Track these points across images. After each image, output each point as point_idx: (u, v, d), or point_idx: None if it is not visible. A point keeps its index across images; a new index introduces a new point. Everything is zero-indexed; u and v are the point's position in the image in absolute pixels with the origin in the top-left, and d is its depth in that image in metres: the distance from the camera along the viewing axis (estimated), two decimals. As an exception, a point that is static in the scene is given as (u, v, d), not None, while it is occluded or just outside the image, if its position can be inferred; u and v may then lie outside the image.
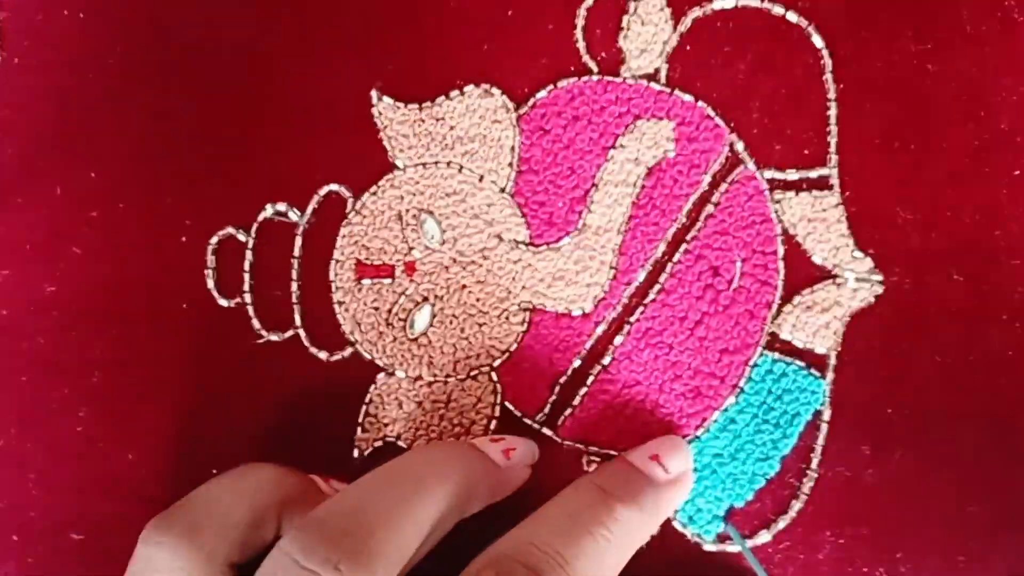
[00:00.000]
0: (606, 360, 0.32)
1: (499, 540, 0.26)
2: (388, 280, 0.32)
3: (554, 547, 0.26)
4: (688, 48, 0.32)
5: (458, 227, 0.32)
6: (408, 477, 0.27)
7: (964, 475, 0.31)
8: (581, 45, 0.32)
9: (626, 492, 0.28)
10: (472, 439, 0.30)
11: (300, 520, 0.25)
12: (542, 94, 0.32)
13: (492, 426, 0.32)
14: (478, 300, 0.32)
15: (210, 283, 0.32)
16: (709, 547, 0.31)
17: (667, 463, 0.30)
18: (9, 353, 0.32)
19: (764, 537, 0.31)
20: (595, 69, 0.32)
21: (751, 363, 0.32)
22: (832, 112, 0.32)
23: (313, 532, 0.24)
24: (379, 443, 0.32)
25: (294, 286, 0.32)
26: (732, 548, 0.31)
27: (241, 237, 0.32)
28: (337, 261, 0.32)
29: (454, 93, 0.32)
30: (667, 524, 0.31)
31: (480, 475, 0.28)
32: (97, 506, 0.32)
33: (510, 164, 0.32)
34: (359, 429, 0.32)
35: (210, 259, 0.32)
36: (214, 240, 0.32)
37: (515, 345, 0.32)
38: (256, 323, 0.32)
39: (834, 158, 0.32)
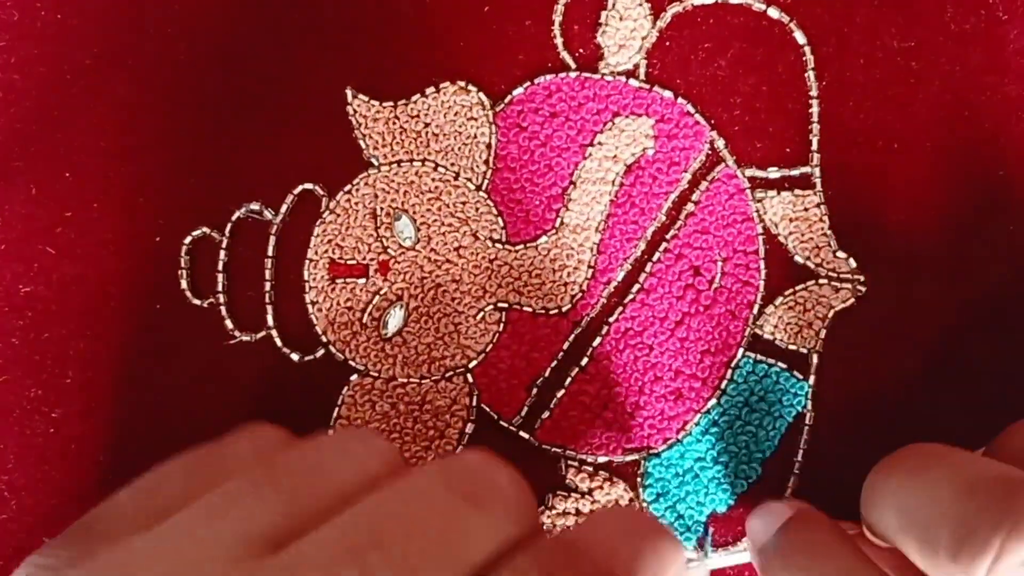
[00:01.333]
0: (584, 361, 0.31)
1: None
2: (362, 279, 0.31)
3: None
4: (668, 44, 0.32)
5: (433, 225, 0.31)
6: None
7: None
8: (559, 41, 0.32)
9: None
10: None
11: (548, 541, 0.22)
12: (519, 91, 0.32)
13: (468, 429, 0.31)
14: (453, 299, 0.31)
15: (184, 283, 0.32)
16: (690, 554, 0.31)
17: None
18: (-18, 353, 0.32)
19: (742, 545, 0.31)
20: (573, 65, 0.32)
21: (733, 364, 0.31)
22: (814, 110, 0.31)
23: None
24: (352, 445, 0.31)
25: (267, 286, 0.32)
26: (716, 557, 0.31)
27: (215, 237, 0.32)
28: (311, 260, 0.32)
29: (430, 90, 0.32)
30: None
31: None
32: (70, 508, 0.31)
33: (486, 161, 0.32)
34: (331, 431, 0.31)
35: (184, 259, 0.32)
36: (188, 240, 0.32)
37: (491, 346, 0.31)
38: (229, 323, 0.31)
39: (816, 156, 0.31)
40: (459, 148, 0.32)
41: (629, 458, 0.31)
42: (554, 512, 0.31)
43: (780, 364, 0.31)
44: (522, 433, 0.31)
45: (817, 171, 0.31)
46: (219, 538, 0.20)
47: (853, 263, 0.31)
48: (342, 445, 0.24)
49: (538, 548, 0.22)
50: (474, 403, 0.31)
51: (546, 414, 0.31)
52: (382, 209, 0.32)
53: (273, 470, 0.22)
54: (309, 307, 0.31)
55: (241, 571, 0.20)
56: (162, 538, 0.21)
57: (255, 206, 0.32)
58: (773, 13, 0.31)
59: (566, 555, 0.22)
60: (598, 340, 0.31)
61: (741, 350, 0.31)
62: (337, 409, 0.31)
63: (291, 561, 0.20)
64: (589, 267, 0.31)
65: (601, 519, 0.25)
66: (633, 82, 0.32)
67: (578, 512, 0.31)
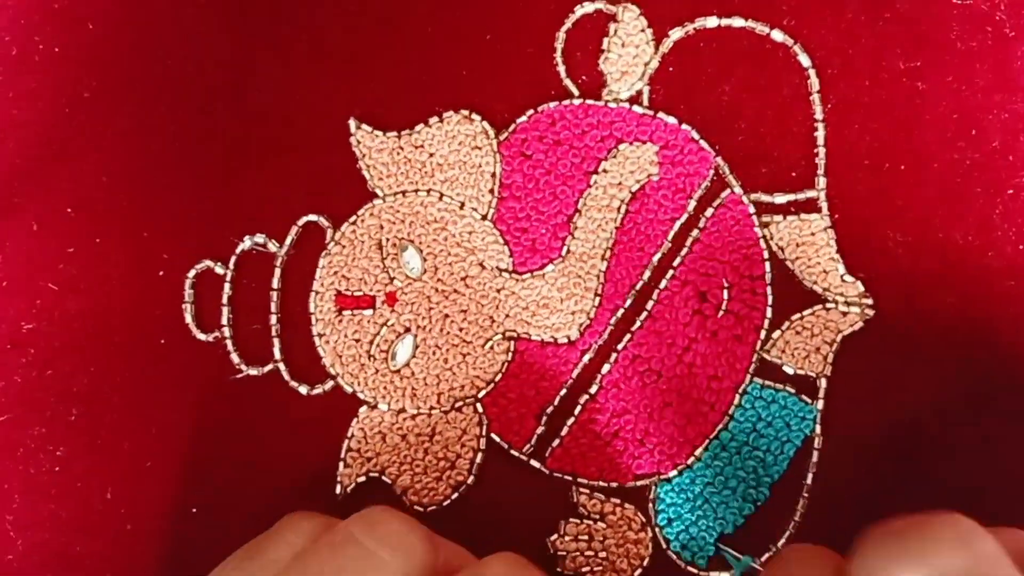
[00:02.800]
0: (593, 389, 0.31)
1: None
2: (369, 311, 0.31)
3: None
4: (671, 70, 0.32)
5: (439, 256, 0.31)
6: None
7: (956, 499, 0.30)
8: (561, 69, 0.32)
9: None
10: None
11: None
12: (522, 119, 0.32)
13: (478, 459, 0.31)
14: (461, 330, 0.31)
15: (188, 317, 0.31)
16: (702, 575, 0.31)
17: None
18: (-15, 391, 0.32)
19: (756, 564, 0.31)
20: (576, 92, 0.32)
21: (741, 389, 0.31)
22: (820, 133, 0.31)
23: None
24: (362, 478, 0.31)
25: (273, 319, 0.31)
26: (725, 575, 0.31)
27: (219, 270, 0.32)
28: (317, 292, 0.31)
29: (433, 120, 0.32)
30: (660, 552, 0.31)
31: None
32: (75, 546, 0.31)
33: (491, 191, 0.31)
34: (341, 464, 0.31)
35: (188, 293, 0.32)
36: (192, 273, 0.32)
37: (500, 375, 0.31)
38: (235, 357, 0.31)
39: (822, 180, 0.31)
40: (464, 177, 0.31)
41: (640, 483, 0.31)
42: (567, 538, 0.31)
43: (788, 389, 0.31)
44: (533, 462, 0.31)
45: (823, 195, 0.31)
46: None
47: (861, 287, 0.31)
48: (276, 533, 0.28)
49: None
50: (484, 433, 0.31)
51: (556, 442, 0.31)
52: (388, 240, 0.31)
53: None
54: (316, 339, 0.31)
55: None
56: None
57: (259, 238, 0.32)
58: (777, 36, 0.31)
59: None
60: (607, 368, 0.31)
61: (749, 375, 0.31)
62: (347, 442, 0.31)
63: None
64: (596, 295, 0.31)
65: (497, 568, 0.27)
66: (637, 108, 0.31)
67: (591, 537, 0.31)
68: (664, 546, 0.31)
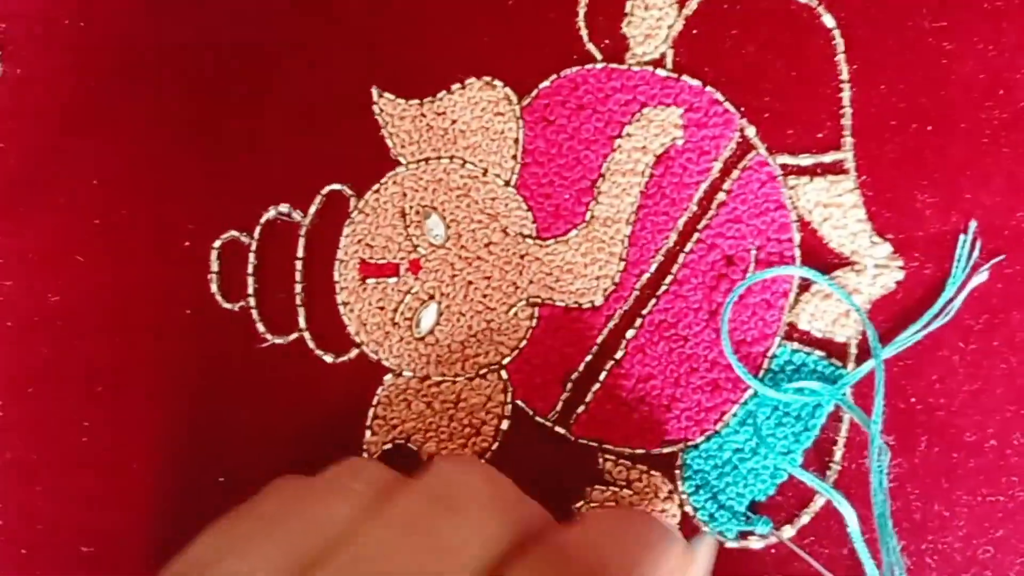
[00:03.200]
0: (619, 354, 0.31)
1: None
2: (393, 279, 0.31)
3: None
4: (694, 32, 0.31)
5: (463, 223, 0.31)
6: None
7: (989, 464, 0.30)
8: (584, 32, 0.32)
9: None
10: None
11: (541, 549, 0.24)
12: (545, 84, 0.32)
13: (503, 426, 0.31)
14: (485, 296, 0.31)
15: (214, 287, 0.32)
16: (731, 544, 0.30)
17: None
18: (14, 364, 0.32)
19: (788, 532, 0.30)
20: (599, 57, 0.32)
21: (770, 354, 0.31)
22: (846, 94, 0.31)
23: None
24: (388, 446, 0.31)
25: (298, 288, 0.31)
26: (755, 544, 0.30)
27: (244, 240, 0.32)
28: (341, 261, 0.31)
29: (455, 86, 0.32)
30: (688, 521, 0.31)
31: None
32: (105, 517, 0.31)
33: (514, 157, 0.31)
34: (367, 432, 0.31)
35: (214, 263, 0.32)
36: (217, 244, 0.32)
37: (524, 341, 0.31)
38: (261, 326, 0.31)
39: (849, 141, 0.31)
40: (486, 144, 0.31)
41: (667, 450, 0.31)
42: (593, 505, 0.31)
43: (818, 352, 0.31)
44: (558, 428, 0.31)
45: (850, 156, 0.31)
46: None
47: (890, 249, 0.30)
48: (332, 483, 0.26)
49: (532, 557, 0.24)
50: (509, 399, 0.31)
51: (582, 408, 0.31)
52: (411, 208, 0.31)
53: (271, 525, 0.24)
54: (341, 308, 0.31)
55: None
56: None
57: (284, 208, 0.32)
58: (801, -3, 0.31)
59: (559, 561, 0.24)
60: (632, 333, 0.31)
61: (778, 339, 0.31)
62: (373, 409, 0.31)
63: None
64: (621, 260, 0.31)
65: (595, 521, 0.27)
66: (660, 72, 0.31)
67: (617, 504, 0.31)
68: (692, 514, 0.31)
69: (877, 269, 0.30)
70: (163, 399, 0.31)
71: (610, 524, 0.27)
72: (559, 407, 0.31)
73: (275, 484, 0.27)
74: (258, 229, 0.32)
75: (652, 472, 0.31)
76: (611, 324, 0.31)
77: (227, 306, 0.32)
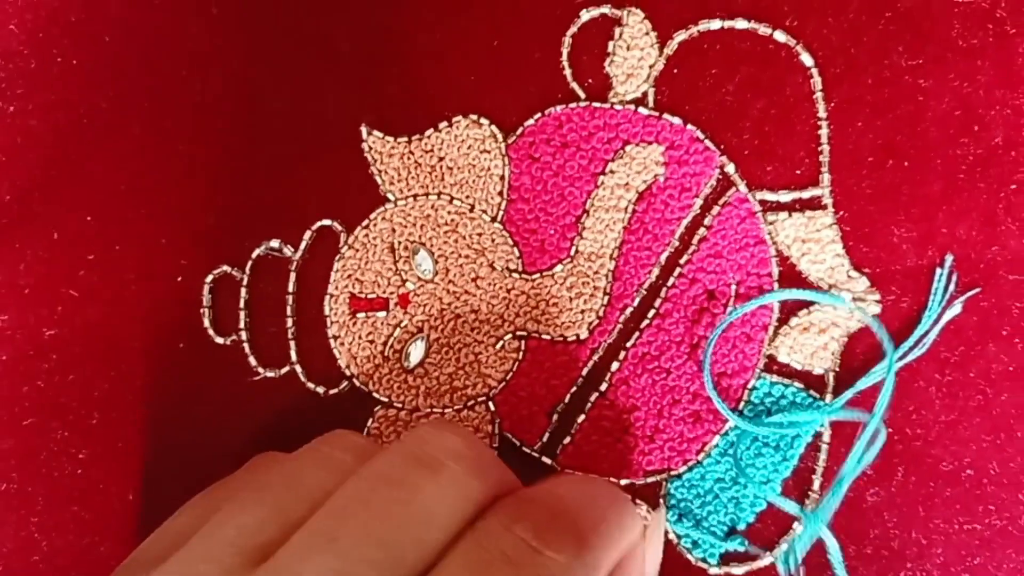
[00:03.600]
0: (603, 387, 0.32)
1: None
2: (382, 313, 0.32)
3: None
4: (675, 71, 0.32)
5: (450, 258, 0.32)
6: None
7: (965, 493, 0.31)
8: (568, 72, 0.32)
9: None
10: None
11: (515, 499, 0.25)
12: (530, 122, 0.32)
13: (490, 456, 0.31)
14: (472, 330, 0.32)
15: (206, 321, 0.32)
16: (714, 571, 0.31)
17: None
18: (10, 397, 0.32)
19: (767, 559, 0.31)
20: (582, 95, 0.32)
21: (749, 386, 0.31)
22: (823, 131, 0.32)
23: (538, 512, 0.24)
24: (378, 477, 0.31)
25: (289, 322, 0.32)
26: (736, 570, 0.31)
27: (236, 275, 0.32)
28: (331, 296, 0.32)
29: (443, 124, 0.32)
30: (671, 549, 0.31)
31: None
32: (99, 548, 0.32)
33: (500, 193, 0.32)
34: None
35: (206, 297, 0.32)
36: (209, 278, 0.32)
37: (511, 374, 0.32)
38: (252, 360, 0.32)
39: (827, 177, 0.32)
40: (473, 181, 0.32)
41: (651, 480, 0.31)
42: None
43: (796, 384, 0.31)
44: (544, 458, 0.32)
45: (828, 192, 0.31)
46: (213, 555, 0.23)
47: (867, 283, 0.31)
48: (316, 450, 0.26)
49: (501, 503, 0.24)
50: (497, 430, 0.32)
51: (567, 439, 0.32)
52: (400, 243, 0.32)
53: (258, 488, 0.25)
54: (331, 341, 0.32)
55: None
56: (170, 567, 0.23)
57: (275, 243, 0.32)
58: (780, 36, 0.32)
59: (526, 504, 0.25)
60: (616, 365, 0.32)
61: (757, 371, 0.31)
62: (362, 442, 0.32)
63: (277, 564, 0.22)
64: (605, 294, 0.32)
65: (567, 482, 0.28)
66: (642, 110, 0.32)
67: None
68: (675, 542, 0.31)
69: (854, 303, 0.31)
70: (157, 432, 0.32)
71: (577, 482, 0.28)
72: (545, 438, 0.32)
73: (256, 459, 0.28)
74: (249, 264, 0.32)
75: (636, 501, 0.31)
76: (596, 357, 0.32)
77: (219, 340, 0.32)
